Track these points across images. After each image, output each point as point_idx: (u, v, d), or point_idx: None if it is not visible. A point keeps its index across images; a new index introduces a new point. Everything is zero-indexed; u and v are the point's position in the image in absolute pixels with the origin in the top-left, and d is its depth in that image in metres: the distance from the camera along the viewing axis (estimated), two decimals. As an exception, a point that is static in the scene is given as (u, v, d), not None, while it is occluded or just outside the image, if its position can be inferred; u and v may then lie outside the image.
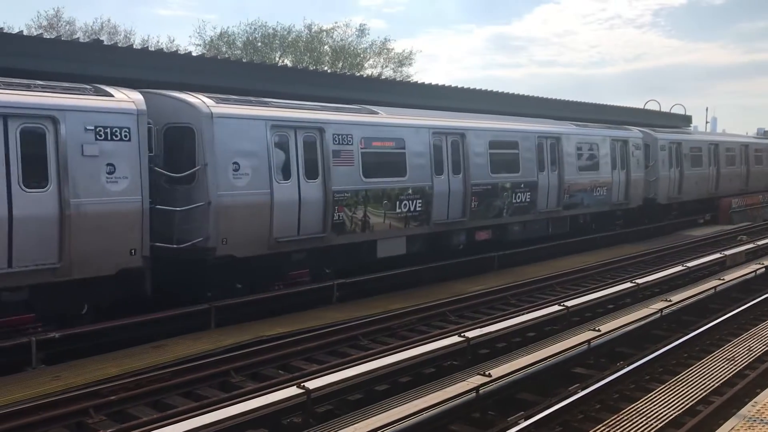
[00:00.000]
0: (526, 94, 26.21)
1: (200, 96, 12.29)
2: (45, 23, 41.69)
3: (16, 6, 63.38)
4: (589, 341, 10.18)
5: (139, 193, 10.83)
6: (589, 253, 20.58)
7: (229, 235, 11.98)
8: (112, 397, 8.21)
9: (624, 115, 30.38)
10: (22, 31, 17.73)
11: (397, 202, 14.99)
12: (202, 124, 11.85)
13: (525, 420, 7.54)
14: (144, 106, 11.02)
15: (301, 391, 7.51)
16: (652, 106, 42.20)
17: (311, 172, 13.31)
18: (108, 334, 10.58)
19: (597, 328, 10.62)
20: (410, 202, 15.24)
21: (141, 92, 11.42)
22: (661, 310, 12.18)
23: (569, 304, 12.10)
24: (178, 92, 12.42)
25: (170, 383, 8.80)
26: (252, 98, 13.34)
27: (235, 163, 12.08)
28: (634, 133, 24.28)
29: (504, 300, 14.27)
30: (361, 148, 14.20)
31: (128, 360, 9.77)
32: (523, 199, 18.54)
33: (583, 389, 8.66)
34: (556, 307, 11.92)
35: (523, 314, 11.61)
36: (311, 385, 7.66)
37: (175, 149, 12.05)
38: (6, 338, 9.64)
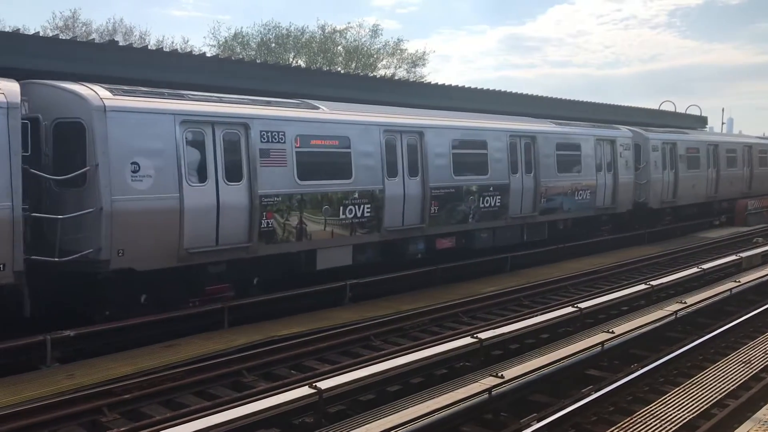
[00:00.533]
0: (539, 94, 26.15)
1: (94, 87, 10.85)
2: (61, 24, 42.08)
3: (34, 7, 63.93)
4: (602, 343, 10.11)
5: (8, 199, 9.29)
6: (603, 254, 20.46)
7: (127, 245, 10.54)
8: (126, 396, 8.27)
9: (638, 116, 30.20)
10: (38, 32, 17.86)
11: (341, 208, 13.56)
12: (93, 118, 10.39)
13: (538, 422, 7.50)
14: (17, 98, 9.63)
15: (313, 391, 7.51)
16: (667, 107, 41.95)
17: (233, 174, 11.90)
18: (121, 333, 10.64)
19: (611, 330, 10.55)
20: (357, 207, 13.82)
21: (24, 82, 10.39)
22: (675, 312, 12.08)
23: (583, 305, 12.03)
24: (69, 82, 10.98)
25: (183, 382, 8.85)
26: (166, 90, 11.94)
27: (134, 163, 10.63)
28: (622, 133, 22.72)
29: (517, 301, 14.23)
30: (297, 147, 12.78)
31: (141, 359, 9.82)
32: (493, 204, 17.00)
33: (596, 391, 8.61)
34: (570, 309, 11.85)
35: (536, 316, 11.56)
36: (323, 385, 7.66)
37: (65, 148, 10.66)
38: (21, 337, 9.72)
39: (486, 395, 7.91)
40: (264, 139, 12.28)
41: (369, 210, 14.10)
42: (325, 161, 13.52)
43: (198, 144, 11.58)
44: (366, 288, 14.24)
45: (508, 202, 17.47)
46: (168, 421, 7.24)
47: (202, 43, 67.38)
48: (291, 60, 46.06)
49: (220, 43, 48.07)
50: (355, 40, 50.65)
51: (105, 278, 10.75)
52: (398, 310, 12.90)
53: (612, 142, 21.80)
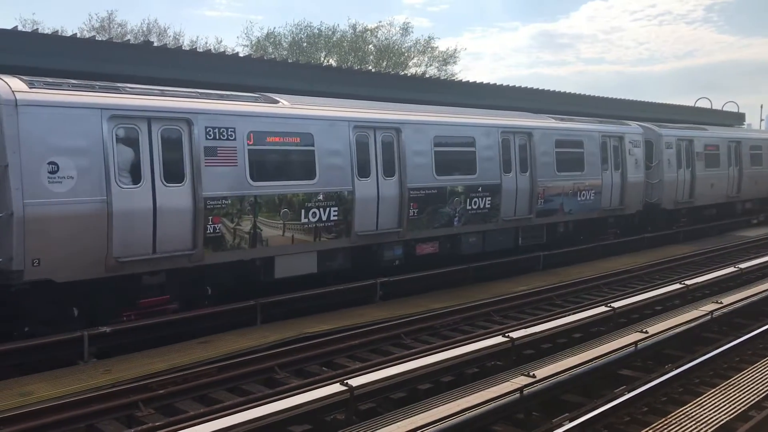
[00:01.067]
0: (569, 91, 25.92)
1: (8, 78, 9.87)
2: (97, 25, 42.82)
3: (71, 10, 65.13)
4: (636, 343, 10.00)
5: None
6: (637, 253, 20.20)
7: (44, 254, 9.56)
8: (161, 391, 8.41)
9: (672, 113, 29.72)
10: (75, 34, 18.22)
11: (303, 211, 12.46)
12: (2, 113, 9.43)
13: (570, 422, 7.45)
14: None
15: (344, 388, 7.56)
16: (703, 104, 41.23)
17: (174, 175, 10.87)
18: (156, 329, 10.82)
19: (644, 330, 10.42)
20: (321, 210, 12.73)
21: None
22: (711, 312, 11.88)
23: (616, 305, 11.90)
24: None
25: (216, 378, 8.97)
26: (98, 83, 10.85)
27: (52, 163, 9.63)
28: (631, 129, 21.25)
29: (549, 300, 14.13)
30: (249, 145, 11.72)
31: (176, 355, 9.98)
32: (482, 206, 15.78)
33: (629, 391, 8.52)
34: (603, 308, 11.73)
35: (568, 315, 11.46)
36: (354, 382, 7.70)
37: None
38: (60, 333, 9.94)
39: (517, 394, 7.88)
40: (210, 135, 11.25)
41: (336, 213, 12.97)
42: (283, 160, 12.42)
43: (131, 142, 10.54)
44: (396, 286, 14.26)
45: (500, 204, 16.28)
46: (202, 416, 7.34)
47: (235, 43, 68.08)
48: (322, 59, 46.28)
49: (253, 43, 48.51)
50: (386, 39, 50.74)
51: (20, 291, 9.76)
52: (429, 308, 12.90)
53: (620, 138, 20.39)
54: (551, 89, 24.73)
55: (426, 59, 52.10)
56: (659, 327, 10.75)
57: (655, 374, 9.43)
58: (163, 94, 11.19)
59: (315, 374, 9.50)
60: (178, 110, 11.04)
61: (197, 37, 72.53)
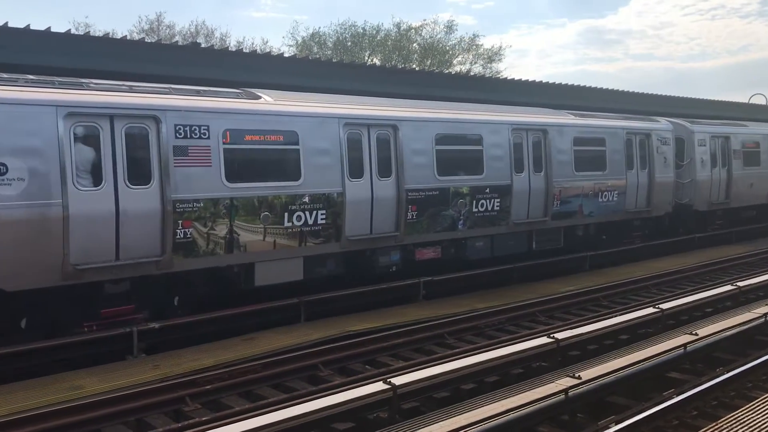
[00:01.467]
0: (613, 88, 25.47)
1: None
2: (146, 27, 43.76)
3: (121, 11, 66.69)
4: (685, 345, 9.76)
5: None
6: (688, 253, 19.75)
7: None
8: (208, 387, 8.54)
9: (723, 110, 28.93)
10: (125, 36, 18.64)
11: (287, 214, 11.73)
12: None
13: (616, 424, 7.32)
14: None
15: (387, 386, 7.56)
16: (758, 101, 40.06)
17: (139, 176, 10.23)
18: (203, 325, 11.01)
19: (694, 332, 10.17)
20: (307, 213, 11.98)
21: None
22: (765, 315, 11.52)
23: (664, 306, 11.64)
24: None
25: (261, 375, 9.07)
26: (59, 79, 10.30)
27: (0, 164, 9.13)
28: (660, 125, 19.91)
29: (596, 301, 13.92)
30: (225, 144, 11.02)
31: (222, 351, 10.13)
32: (490, 208, 14.85)
33: (678, 394, 8.33)
34: (651, 310, 11.49)
35: (615, 316, 11.27)
36: (397, 381, 7.70)
37: None
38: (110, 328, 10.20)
39: (562, 396, 7.77)
40: (180, 134, 10.57)
41: (324, 216, 12.22)
42: (263, 160, 11.67)
43: (91, 141, 9.92)
44: (440, 286, 14.22)
45: (511, 206, 15.31)
46: (247, 412, 7.44)
47: (281, 43, 68.78)
48: (366, 59, 46.41)
49: (298, 43, 48.93)
50: (430, 37, 50.63)
51: None
52: (473, 308, 12.83)
53: (647, 135, 19.11)
54: (597, 86, 24.31)
55: (470, 57, 51.86)
56: (710, 329, 10.48)
57: (705, 377, 9.20)
58: (131, 90, 10.60)
59: (358, 372, 9.54)
60: (144, 107, 10.37)
61: (243, 38, 73.53)
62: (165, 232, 10.39)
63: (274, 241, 11.69)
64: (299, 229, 11.96)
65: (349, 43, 48.44)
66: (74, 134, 9.78)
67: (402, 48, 49.07)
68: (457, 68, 49.09)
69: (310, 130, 12.12)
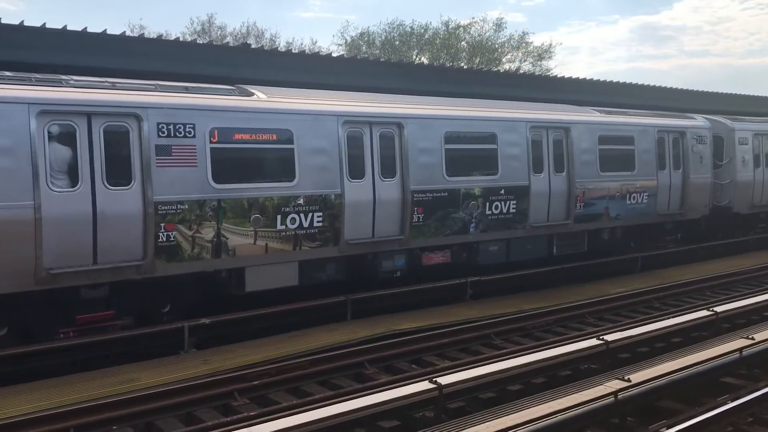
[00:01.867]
0: (673, 86, 24.89)
1: None
2: (199, 29, 44.57)
3: (174, 13, 68.12)
4: (741, 350, 9.48)
5: None
6: (745, 255, 19.20)
7: None
8: (256, 382, 8.68)
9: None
10: (178, 38, 19.08)
11: (280, 216, 11.17)
12: None
13: (667, 429, 7.17)
14: None
15: (433, 386, 7.55)
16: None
17: (119, 176, 9.78)
18: (252, 322, 11.18)
19: (750, 336, 9.87)
20: (303, 215, 11.40)
21: None
22: (826, 319, 11.14)
23: (719, 309, 11.34)
24: None
25: (308, 371, 9.18)
26: (37, 75, 9.94)
27: None
28: (696, 123, 18.72)
29: (647, 303, 13.66)
30: (213, 143, 10.54)
31: (270, 347, 10.29)
32: (505, 210, 14.05)
33: (733, 400, 8.11)
34: (704, 312, 11.20)
35: (667, 318, 11.03)
36: (443, 380, 7.68)
37: None
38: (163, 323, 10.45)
39: (612, 398, 7.64)
40: (163, 132, 10.10)
41: (321, 219, 11.62)
42: (254, 160, 11.16)
43: (67, 140, 9.51)
44: (487, 286, 14.13)
45: (528, 208, 14.49)
46: (294, 407, 7.52)
47: (329, 42, 69.34)
48: (414, 58, 46.38)
49: (348, 42, 49.17)
50: (479, 35, 50.29)
51: None
52: (521, 309, 12.72)
53: (681, 133, 18.03)
54: (650, 84, 23.79)
55: (520, 55, 51.35)
56: (767, 334, 10.16)
57: (762, 383, 8.93)
58: (114, 87, 10.14)
59: (404, 371, 9.57)
60: (124, 104, 9.90)
61: (293, 38, 74.28)
62: (146, 235, 9.93)
63: (266, 244, 11.12)
64: (293, 233, 11.38)
65: (397, 42, 48.46)
66: (48, 133, 9.37)
67: (450, 46, 48.85)
68: (507, 66, 48.68)
69: (306, 129, 11.55)
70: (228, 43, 27.62)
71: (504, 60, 50.41)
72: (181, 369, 9.33)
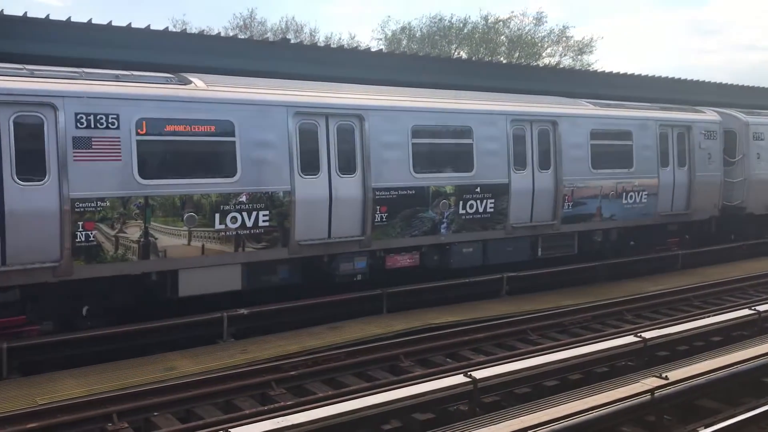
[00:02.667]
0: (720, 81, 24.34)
1: None
2: (240, 24, 45.09)
3: (216, 8, 68.96)
4: (783, 350, 9.31)
5: None
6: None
7: None
8: (292, 373, 8.83)
9: None
10: (219, 33, 19.32)
11: (218, 215, 10.37)
12: None
13: (705, 428, 7.09)
14: None
15: (468, 379, 7.57)
16: None
17: (31, 171, 9.09)
18: (289, 313, 11.34)
19: (794, 337, 9.69)
20: (245, 214, 10.60)
21: None
22: None
23: (761, 308, 11.11)
24: None
25: (344, 363, 9.30)
26: None
27: None
28: (704, 117, 17.51)
29: (687, 301, 13.48)
30: (140, 135, 9.77)
31: (306, 339, 10.43)
32: (481, 210, 13.11)
33: (774, 401, 7.98)
34: (746, 311, 11.00)
35: (707, 317, 10.87)
36: (478, 374, 7.71)
37: None
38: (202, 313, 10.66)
39: (648, 396, 7.57)
40: (82, 124, 9.36)
41: (267, 218, 10.81)
42: (189, 153, 10.32)
43: None
44: (523, 281, 14.08)
45: (508, 208, 13.52)
46: (331, 398, 7.63)
47: (369, 37, 69.35)
48: (453, 52, 46.21)
49: (387, 36, 49.20)
50: (518, 30, 49.87)
51: None
52: (557, 305, 12.67)
53: (687, 128, 16.80)
54: (695, 79, 23.32)
55: (560, 49, 50.76)
56: (811, 334, 9.95)
57: (805, 384, 8.76)
58: (32, 74, 9.50)
59: (439, 364, 9.62)
60: (38, 93, 9.21)
61: (331, 33, 74.49)
62: (63, 235, 9.20)
63: (203, 245, 10.35)
64: (235, 233, 10.58)
65: (437, 37, 48.29)
66: None
67: (489, 41, 48.53)
68: (546, 61, 48.19)
69: (250, 120, 10.72)
70: (268, 38, 27.89)
71: (544, 54, 49.94)
72: (220, 358, 9.53)
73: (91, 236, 9.45)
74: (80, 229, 9.36)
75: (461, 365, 9.23)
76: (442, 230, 12.75)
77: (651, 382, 7.72)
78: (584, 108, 15.34)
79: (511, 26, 49.89)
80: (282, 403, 7.90)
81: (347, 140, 11.70)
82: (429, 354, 10.00)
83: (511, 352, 10.08)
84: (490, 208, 13.31)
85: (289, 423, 6.26)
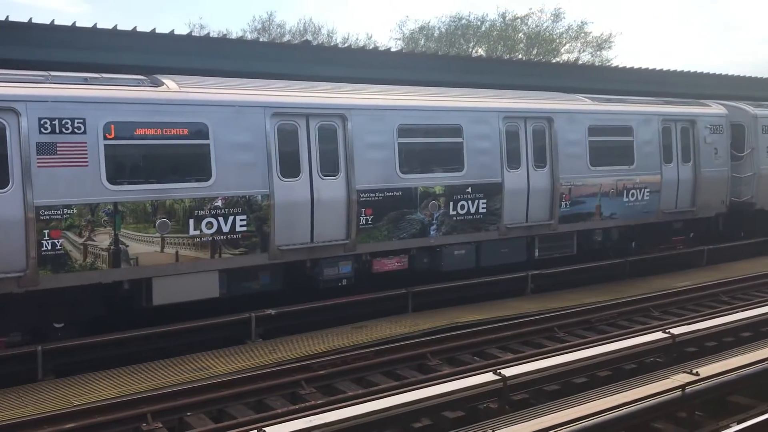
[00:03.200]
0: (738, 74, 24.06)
1: None
2: (259, 26, 45.34)
3: (234, 11, 69.35)
4: (815, 345, 9.23)
5: None
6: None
7: None
8: (321, 372, 8.90)
9: None
10: (242, 36, 19.49)
11: (193, 221, 10.05)
12: None
13: (738, 423, 7.06)
14: None
15: (497, 377, 7.60)
16: None
17: None
18: (315, 313, 11.44)
19: (825, 331, 9.61)
20: (222, 219, 10.27)
21: None
22: None
23: (791, 303, 11.05)
24: None
25: (372, 362, 9.36)
26: None
27: None
28: (710, 110, 16.97)
29: (714, 297, 13.38)
30: (108, 140, 9.46)
31: (334, 338, 10.51)
32: (473, 210, 12.69)
33: (807, 396, 7.92)
34: (776, 306, 10.93)
35: (735, 312, 10.79)
36: (508, 372, 7.73)
37: None
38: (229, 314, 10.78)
39: (679, 392, 7.55)
40: (46, 129, 9.08)
41: (245, 223, 10.48)
42: (161, 157, 10.01)
43: None
44: (548, 279, 14.07)
45: (502, 208, 13.09)
46: (360, 397, 7.70)
47: (387, 37, 69.46)
48: (470, 50, 46.13)
49: (405, 36, 49.22)
50: (536, 26, 49.66)
51: None
52: (583, 302, 12.64)
53: (691, 122, 16.29)
54: (715, 72, 23.06)
55: (579, 45, 50.45)
56: (843, 329, 9.86)
57: (837, 379, 8.67)
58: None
59: (466, 363, 9.65)
60: None
61: (348, 33, 74.60)
62: (28, 243, 8.92)
63: (177, 252, 10.03)
64: (211, 238, 10.25)
65: (456, 35, 48.19)
66: None
67: (507, 38, 48.38)
68: (565, 57, 47.92)
69: (225, 122, 10.38)
70: (290, 41, 28.06)
71: (562, 50, 49.68)
72: (250, 358, 9.64)
73: (58, 245, 9.18)
74: (46, 238, 9.08)
75: (489, 363, 9.26)
76: (432, 232, 12.39)
77: (682, 378, 7.70)
78: (582, 103, 14.89)
79: (528, 23, 49.74)
80: (313, 402, 7.97)
81: (329, 141, 11.37)
82: (456, 352, 10.03)
83: (539, 349, 10.09)
84: (483, 208, 12.91)
85: (322, 421, 6.34)
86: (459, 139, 12.67)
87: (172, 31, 13.53)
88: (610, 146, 14.86)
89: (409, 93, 12.73)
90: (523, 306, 12.50)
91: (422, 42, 47.76)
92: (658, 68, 21.29)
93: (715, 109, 17.29)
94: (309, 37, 43.39)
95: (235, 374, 8.77)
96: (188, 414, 7.80)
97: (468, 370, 8.80)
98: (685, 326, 9.79)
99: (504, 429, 6.24)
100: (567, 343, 10.30)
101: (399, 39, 49.25)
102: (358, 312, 11.79)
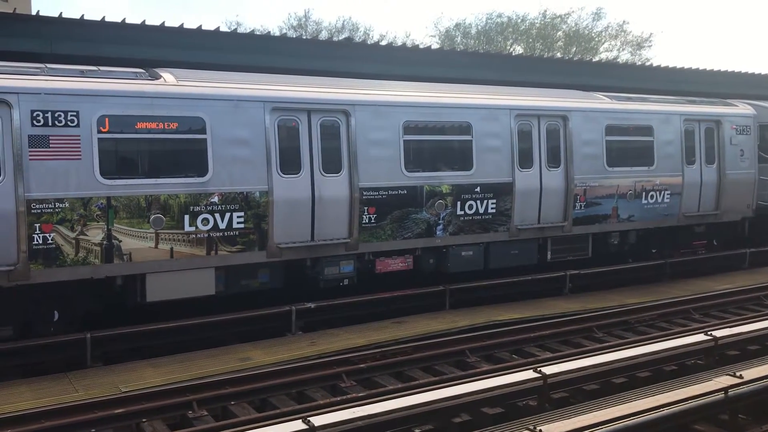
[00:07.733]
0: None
1: None
2: (295, 24, 45.70)
3: (270, 8, 69.93)
4: None
5: None
6: None
7: None
8: (361, 365, 9.02)
9: None
10: (282, 33, 19.68)
11: (188, 216, 9.90)
12: None
13: (782, 428, 7.00)
14: None
15: (537, 375, 7.64)
16: None
17: None
18: (354, 307, 11.60)
19: None
20: (218, 215, 10.12)
21: None
22: None
23: (837, 309, 10.85)
24: None
25: (411, 357, 9.45)
26: None
27: None
28: (736, 110, 16.29)
29: (756, 300, 13.21)
30: (102, 133, 9.35)
31: (373, 333, 10.64)
32: (482, 210, 12.38)
33: None
34: (821, 312, 10.75)
35: (779, 317, 10.66)
36: (547, 370, 7.76)
37: None
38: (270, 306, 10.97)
39: (722, 394, 7.50)
40: (38, 121, 8.99)
41: (242, 219, 10.32)
42: (155, 152, 9.91)
43: None
44: (586, 279, 14.01)
45: (512, 208, 12.76)
46: (400, 391, 7.80)
47: (423, 34, 69.34)
48: (508, 48, 45.87)
49: (441, 33, 49.15)
50: (575, 25, 49.20)
51: None
52: (623, 303, 12.58)
53: (716, 122, 15.69)
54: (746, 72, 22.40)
55: (618, 44, 49.84)
56: None
57: None
58: None
59: (504, 360, 9.70)
60: None
61: (386, 31, 74.72)
62: (18, 237, 8.85)
63: (171, 248, 9.89)
64: (207, 235, 10.10)
65: (494, 32, 47.97)
66: None
67: (546, 37, 48.00)
68: (604, 56, 47.39)
69: (222, 116, 10.22)
70: (331, 38, 28.24)
71: (601, 49, 49.14)
72: (291, 350, 9.81)
73: (50, 239, 9.08)
74: (37, 231, 8.98)
75: (528, 361, 9.30)
76: (438, 232, 12.10)
77: (724, 380, 7.64)
78: (599, 102, 14.41)
79: (569, 22, 49.31)
80: (354, 395, 8.10)
81: (332, 137, 11.13)
82: (495, 350, 10.08)
83: (578, 349, 10.09)
84: (492, 208, 12.58)
85: (365, 413, 6.45)
86: (468, 137, 12.38)
87: (200, 26, 13.49)
88: (629, 146, 14.45)
89: (416, 89, 12.49)
90: (561, 305, 12.48)
91: (458, 39, 47.65)
92: (693, 67, 20.66)
93: (742, 109, 16.68)
94: (346, 34, 43.60)
95: (277, 365, 8.94)
96: (232, 403, 7.99)
97: (507, 367, 8.84)
98: (728, 329, 9.69)
99: (546, 425, 6.28)
100: (606, 343, 10.28)
101: (435, 36, 49.26)
102: (395, 307, 11.85)
